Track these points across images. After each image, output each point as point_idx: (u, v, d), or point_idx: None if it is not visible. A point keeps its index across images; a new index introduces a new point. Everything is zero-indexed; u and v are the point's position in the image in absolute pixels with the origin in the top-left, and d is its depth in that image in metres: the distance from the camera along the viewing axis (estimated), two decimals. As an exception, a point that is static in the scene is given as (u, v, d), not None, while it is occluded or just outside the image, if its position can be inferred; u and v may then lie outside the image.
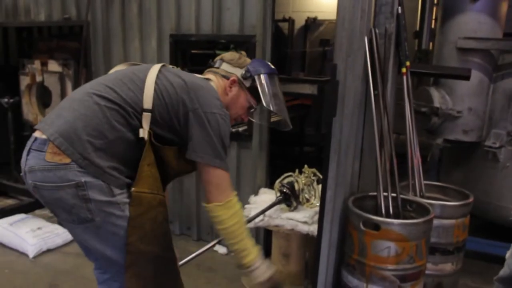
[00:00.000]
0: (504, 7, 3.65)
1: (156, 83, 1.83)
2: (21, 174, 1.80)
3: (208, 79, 2.04)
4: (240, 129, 3.60)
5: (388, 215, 2.62)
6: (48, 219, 4.17)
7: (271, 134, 3.53)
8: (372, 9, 2.73)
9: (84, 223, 1.74)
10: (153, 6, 3.75)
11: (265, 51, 3.38)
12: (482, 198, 3.61)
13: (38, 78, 4.81)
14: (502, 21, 3.66)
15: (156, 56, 3.79)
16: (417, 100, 3.78)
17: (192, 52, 4.03)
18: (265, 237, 3.60)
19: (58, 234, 3.80)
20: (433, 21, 4.28)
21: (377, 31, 2.71)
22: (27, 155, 1.76)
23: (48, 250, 3.70)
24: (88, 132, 1.71)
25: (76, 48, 4.54)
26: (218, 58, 2.15)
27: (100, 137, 1.72)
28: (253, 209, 3.04)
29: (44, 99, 4.89)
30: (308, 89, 4.58)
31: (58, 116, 1.78)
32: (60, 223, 4.02)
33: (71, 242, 3.80)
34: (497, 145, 3.53)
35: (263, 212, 2.95)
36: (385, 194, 2.68)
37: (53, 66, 4.68)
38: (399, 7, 2.78)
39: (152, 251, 1.86)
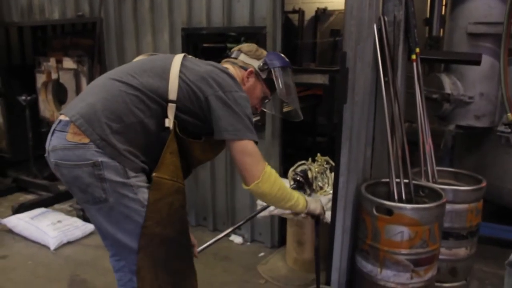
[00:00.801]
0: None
1: (180, 75, 1.88)
2: (45, 155, 1.88)
3: (226, 68, 2.09)
4: (253, 119, 3.64)
5: (400, 201, 2.65)
6: (67, 213, 4.27)
7: (283, 124, 3.56)
8: (380, -3, 2.75)
9: (98, 203, 1.80)
10: (164, 1, 3.80)
11: (276, 42, 3.41)
12: (495, 183, 3.62)
13: (54, 76, 4.91)
14: (513, 5, 3.63)
15: (168, 50, 3.84)
16: (428, 87, 3.78)
17: (204, 46, 4.07)
18: (279, 225, 3.65)
19: (77, 227, 3.90)
20: (443, 7, 4.26)
21: (386, 18, 2.73)
22: (51, 135, 1.85)
23: (68, 243, 3.79)
24: (107, 115, 1.78)
25: (89, 44, 4.62)
26: (235, 49, 2.21)
27: (117, 120, 1.79)
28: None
29: (60, 96, 4.99)
30: (320, 79, 4.58)
31: (81, 100, 1.87)
32: (78, 216, 4.12)
33: (90, 234, 3.90)
34: (510, 129, 3.52)
35: (277, 200, 2.99)
36: (397, 180, 2.71)
37: (68, 63, 4.77)
38: (408, -6, 2.80)
39: (166, 234, 1.91)
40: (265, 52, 2.19)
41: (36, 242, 3.80)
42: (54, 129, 1.85)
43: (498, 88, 3.55)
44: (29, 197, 4.86)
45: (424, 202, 2.70)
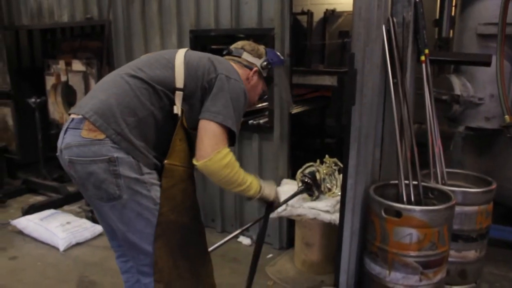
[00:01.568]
0: (525, -9, 3.59)
1: (184, 62, 1.95)
2: (56, 154, 1.90)
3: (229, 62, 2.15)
4: (261, 121, 3.64)
5: (409, 203, 2.63)
6: (76, 214, 4.29)
7: (292, 126, 3.56)
8: (389, -2, 2.73)
9: (111, 200, 1.82)
10: (172, 3, 3.82)
11: (284, 44, 3.40)
12: (506, 185, 3.58)
13: (63, 78, 4.94)
14: (524, 6, 3.60)
15: (176, 52, 3.85)
16: (438, 88, 3.75)
17: (212, 48, 4.08)
18: (288, 227, 3.64)
19: (86, 228, 3.92)
20: (453, 8, 4.23)
21: (394, 19, 2.71)
22: (64, 134, 1.87)
23: (77, 244, 3.81)
24: (121, 109, 1.82)
25: (98, 47, 4.65)
26: (237, 46, 2.24)
27: (131, 114, 1.83)
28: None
29: (69, 98, 5.03)
30: (328, 80, 4.59)
31: (92, 98, 1.89)
32: (87, 218, 4.14)
33: (99, 235, 3.91)
34: (508, 133, 3.48)
35: (285, 202, 2.98)
36: (406, 182, 2.69)
37: (77, 65, 4.80)
38: (417, -4, 2.79)
39: (181, 221, 1.95)
40: (263, 49, 2.25)
41: (46, 243, 3.83)
42: (67, 127, 1.87)
43: (509, 89, 3.52)
44: (39, 198, 4.90)
45: (433, 204, 2.68)
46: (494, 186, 2.88)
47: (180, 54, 2.00)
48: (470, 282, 2.97)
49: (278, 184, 3.45)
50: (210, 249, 2.44)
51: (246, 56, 2.20)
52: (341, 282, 2.82)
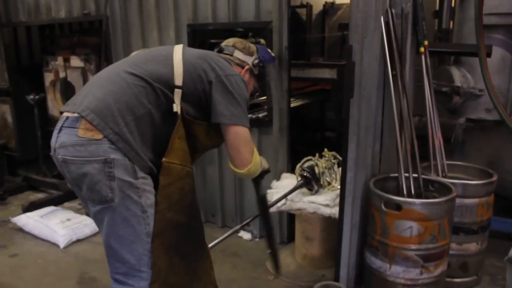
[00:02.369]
0: (526, -19, 3.56)
1: (183, 59, 1.92)
2: (50, 153, 1.87)
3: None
4: (260, 115, 3.62)
5: (409, 195, 2.62)
6: (77, 211, 4.28)
7: (291, 119, 3.53)
8: (387, -11, 2.70)
9: (103, 203, 1.78)
10: (170, -3, 3.79)
11: (282, 37, 3.37)
12: (507, 177, 3.56)
13: (62, 74, 4.93)
14: (525, -5, 3.56)
15: (174, 46, 3.82)
16: (438, 80, 3.72)
17: (211, 42, 4.05)
18: (288, 221, 3.63)
19: (86, 225, 3.91)
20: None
21: (393, 11, 2.69)
22: (58, 132, 1.82)
23: (78, 240, 3.81)
24: (119, 107, 1.77)
25: (96, 42, 4.62)
26: (228, 44, 2.23)
27: (129, 113, 1.79)
28: (275, 194, 3.07)
29: (68, 94, 5.00)
30: (328, 73, 4.55)
31: (87, 95, 1.84)
32: (87, 214, 4.13)
33: (99, 232, 3.88)
34: None
35: (284, 196, 2.98)
36: (406, 174, 2.67)
37: (75, 61, 4.78)
38: (415, -14, 2.76)
39: (177, 220, 1.93)
40: (254, 47, 2.24)
41: (46, 240, 3.82)
42: (62, 126, 1.82)
43: (510, 80, 3.49)
44: (39, 195, 4.90)
45: (434, 197, 2.66)
46: (495, 178, 2.86)
47: (178, 51, 1.98)
48: (472, 275, 2.96)
49: (278, 178, 3.44)
50: (210, 245, 2.44)
51: (237, 54, 2.19)
52: (341, 276, 2.81)
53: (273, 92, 3.46)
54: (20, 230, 4.02)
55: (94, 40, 4.75)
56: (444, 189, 2.67)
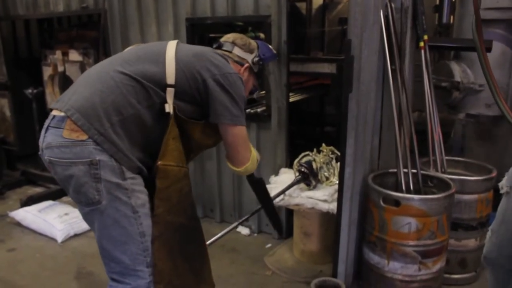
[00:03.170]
0: (527, -25, 3.53)
1: (176, 57, 1.86)
2: (39, 152, 1.84)
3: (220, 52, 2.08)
4: (259, 109, 3.60)
5: (408, 191, 2.61)
6: (74, 205, 4.24)
7: (290, 114, 3.52)
8: (387, -17, 2.68)
9: (90, 205, 1.75)
10: (168, -10, 3.76)
11: (281, 31, 3.34)
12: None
13: (60, 68, 4.90)
14: (525, -11, 3.53)
15: (173, 41, 3.80)
16: (438, 75, 3.70)
17: (210, 36, 4.03)
18: (286, 217, 3.62)
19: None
20: (453, -7, 4.16)
21: (392, 5, 2.67)
22: (45, 132, 1.79)
23: (75, 235, 3.80)
24: (105, 107, 1.72)
25: (95, 36, 4.59)
26: (228, 40, 2.14)
27: (116, 113, 1.73)
28: (274, 189, 3.05)
29: (66, 88, 4.94)
30: (327, 68, 4.53)
31: (74, 93, 1.80)
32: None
33: (97, 227, 3.89)
34: None
35: (282, 192, 2.97)
36: (405, 170, 2.66)
37: (74, 55, 4.75)
38: (415, -20, 2.73)
39: (178, 222, 1.91)
40: (255, 44, 2.18)
41: (44, 235, 3.81)
42: (48, 125, 1.79)
43: (510, 75, 3.47)
44: (37, 190, 4.88)
45: (433, 193, 2.65)
46: (494, 173, 2.85)
47: (171, 48, 1.91)
48: (470, 271, 2.95)
49: (277, 173, 3.42)
50: (208, 242, 2.44)
51: (237, 51, 2.11)
52: (339, 271, 2.80)
53: (272, 87, 3.44)
54: (18, 224, 4.00)
55: (92, 34, 4.72)
56: (443, 185, 2.66)
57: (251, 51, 2.14)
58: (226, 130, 1.94)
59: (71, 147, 1.70)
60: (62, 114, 1.74)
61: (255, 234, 3.80)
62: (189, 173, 1.98)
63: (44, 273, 3.29)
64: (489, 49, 3.13)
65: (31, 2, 4.80)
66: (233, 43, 2.12)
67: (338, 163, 2.82)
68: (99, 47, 4.33)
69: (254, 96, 2.40)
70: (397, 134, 2.68)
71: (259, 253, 3.44)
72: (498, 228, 1.90)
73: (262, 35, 3.59)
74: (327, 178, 3.07)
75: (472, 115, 3.73)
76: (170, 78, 1.82)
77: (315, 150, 3.18)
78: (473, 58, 3.60)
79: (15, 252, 3.59)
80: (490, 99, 3.60)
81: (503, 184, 1.91)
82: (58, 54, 4.88)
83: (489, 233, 1.96)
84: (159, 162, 1.82)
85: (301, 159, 3.11)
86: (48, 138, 1.77)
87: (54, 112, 1.80)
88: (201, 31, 3.87)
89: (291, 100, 3.63)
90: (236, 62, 2.10)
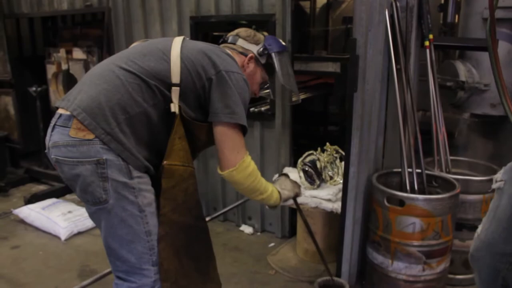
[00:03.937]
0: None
1: (181, 55, 1.83)
2: (45, 151, 1.83)
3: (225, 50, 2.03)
4: (263, 108, 3.60)
5: (412, 191, 2.60)
6: (78, 203, 4.27)
7: (294, 113, 3.51)
8: (392, -18, 2.67)
9: (97, 204, 1.74)
10: (172, -11, 3.76)
11: (285, 30, 3.34)
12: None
13: (64, 66, 4.90)
14: (531, -12, 3.51)
15: (177, 39, 3.80)
16: (443, 74, 3.68)
17: (214, 35, 4.02)
18: (290, 216, 3.62)
19: (87, 217, 3.81)
20: (459, -8, 4.14)
21: (398, 4, 2.66)
22: (52, 130, 1.77)
23: (79, 233, 3.80)
24: (111, 106, 1.71)
25: (99, 34, 4.59)
26: (232, 34, 2.14)
27: (122, 112, 1.72)
28: (277, 189, 3.04)
29: (70, 86, 4.94)
30: (331, 67, 4.50)
31: (80, 92, 1.78)
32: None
33: (101, 225, 3.90)
34: None
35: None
36: (410, 170, 2.65)
37: (78, 53, 4.75)
38: (421, -21, 2.72)
39: (183, 221, 1.89)
40: (262, 37, 2.14)
41: (48, 233, 3.82)
42: (55, 124, 1.77)
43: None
44: (41, 187, 4.90)
45: (437, 193, 2.64)
46: (499, 174, 2.83)
47: (176, 45, 1.86)
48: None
49: (280, 172, 3.41)
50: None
51: (241, 42, 2.09)
52: (343, 271, 2.80)
53: (276, 86, 3.43)
54: (22, 222, 4.02)
55: (96, 32, 4.72)
56: (447, 185, 2.65)
57: (256, 42, 2.10)
58: (218, 128, 1.86)
59: (78, 146, 1.69)
60: (68, 113, 1.73)
61: (258, 233, 3.79)
62: (194, 172, 1.95)
63: (48, 270, 3.29)
64: (494, 49, 3.12)
65: (36, 0, 4.81)
66: (237, 35, 2.11)
67: (342, 162, 2.82)
68: (103, 46, 4.33)
69: (267, 92, 2.31)
70: (402, 134, 2.67)
71: (262, 252, 3.44)
72: (488, 225, 1.84)
73: (266, 34, 3.57)
74: (331, 178, 3.07)
75: (477, 115, 3.71)
76: (175, 77, 1.79)
77: (319, 149, 3.18)
78: (478, 57, 3.58)
79: (19, 249, 3.60)
80: (495, 99, 3.59)
81: (497, 178, 1.82)
82: (62, 52, 4.87)
83: (478, 231, 1.91)
84: (165, 162, 1.80)
85: (305, 158, 3.11)
86: (54, 137, 1.75)
87: (60, 111, 1.79)
88: (205, 30, 3.86)
89: (295, 101, 3.61)
90: (241, 53, 2.06)
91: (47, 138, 1.79)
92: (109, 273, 2.63)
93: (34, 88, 4.79)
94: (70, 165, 1.71)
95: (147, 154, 1.81)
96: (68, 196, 4.58)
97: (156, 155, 1.83)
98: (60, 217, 3.83)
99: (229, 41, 2.11)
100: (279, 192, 2.13)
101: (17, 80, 5.16)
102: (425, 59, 2.92)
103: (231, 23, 3.74)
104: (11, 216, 4.15)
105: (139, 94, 1.75)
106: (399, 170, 2.70)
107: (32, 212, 3.99)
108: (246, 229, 3.81)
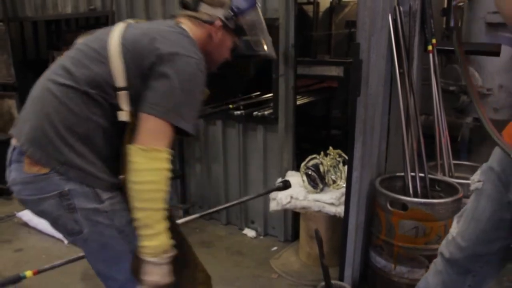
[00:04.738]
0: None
1: (121, 50, 1.54)
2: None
3: (180, 29, 1.68)
4: (266, 112, 3.60)
5: (415, 195, 2.60)
6: (82, 206, 4.29)
7: (297, 117, 3.52)
8: (395, -13, 2.68)
9: (72, 235, 1.60)
10: (176, -7, 3.77)
11: (288, 34, 3.35)
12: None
13: (67, 70, 4.92)
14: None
15: (180, 43, 3.81)
16: (446, 79, 3.70)
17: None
18: (293, 219, 3.62)
19: (91, 221, 3.90)
20: (462, -3, 4.15)
21: (401, 8, 2.67)
22: (10, 165, 1.61)
23: (82, 236, 3.80)
24: (57, 132, 1.52)
25: (103, 38, 4.61)
26: None
27: (71, 134, 1.53)
28: (279, 193, 3.05)
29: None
30: (334, 71, 4.54)
31: (25, 122, 1.59)
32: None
33: (104, 228, 3.90)
34: None
35: (260, 195, 2.98)
36: (413, 174, 2.65)
37: (81, 57, 4.77)
38: (424, -16, 2.73)
39: None
40: None
41: (51, 236, 3.81)
42: (11, 159, 1.60)
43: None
44: (44, 190, 4.89)
45: (440, 197, 2.64)
46: (502, 178, 2.83)
47: (114, 39, 1.56)
48: (477, 276, 2.92)
49: (283, 176, 3.42)
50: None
51: (204, 8, 1.74)
52: (346, 275, 2.80)
53: (279, 90, 3.44)
54: (25, 225, 4.02)
55: (100, 36, 4.74)
56: (450, 189, 2.65)
57: (221, 5, 1.75)
58: (144, 119, 1.50)
59: (34, 182, 1.53)
60: (19, 145, 1.57)
61: (261, 237, 3.79)
62: None
63: (51, 273, 3.29)
64: (497, 53, 3.13)
65: (40, 4, 4.83)
66: (200, 0, 1.75)
67: (345, 167, 2.82)
68: (106, 49, 4.35)
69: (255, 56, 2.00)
70: (405, 138, 2.67)
71: (265, 256, 3.43)
72: (466, 227, 1.74)
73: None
74: (334, 182, 3.07)
75: (479, 119, 3.71)
76: (120, 79, 1.52)
77: (322, 153, 3.18)
78: (481, 62, 3.60)
79: (22, 252, 3.61)
80: (498, 104, 3.61)
81: (474, 179, 1.75)
82: (66, 56, 4.90)
83: (452, 233, 1.79)
84: (122, 176, 1.58)
85: (308, 162, 3.11)
86: (12, 174, 1.59)
87: (13, 142, 1.61)
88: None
89: (298, 103, 3.63)
90: (206, 21, 1.73)
91: (7, 174, 1.62)
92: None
93: (37, 92, 4.79)
94: (33, 203, 1.57)
95: (115, 165, 1.61)
96: (71, 199, 4.59)
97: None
98: (63, 220, 3.83)
99: (190, 7, 1.76)
100: (170, 245, 1.61)
101: (21, 83, 5.17)
102: (428, 63, 2.92)
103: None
104: (14, 219, 4.16)
105: (83, 108, 1.53)
106: (402, 174, 2.70)
107: (35, 216, 3.99)
108: (249, 232, 3.80)
